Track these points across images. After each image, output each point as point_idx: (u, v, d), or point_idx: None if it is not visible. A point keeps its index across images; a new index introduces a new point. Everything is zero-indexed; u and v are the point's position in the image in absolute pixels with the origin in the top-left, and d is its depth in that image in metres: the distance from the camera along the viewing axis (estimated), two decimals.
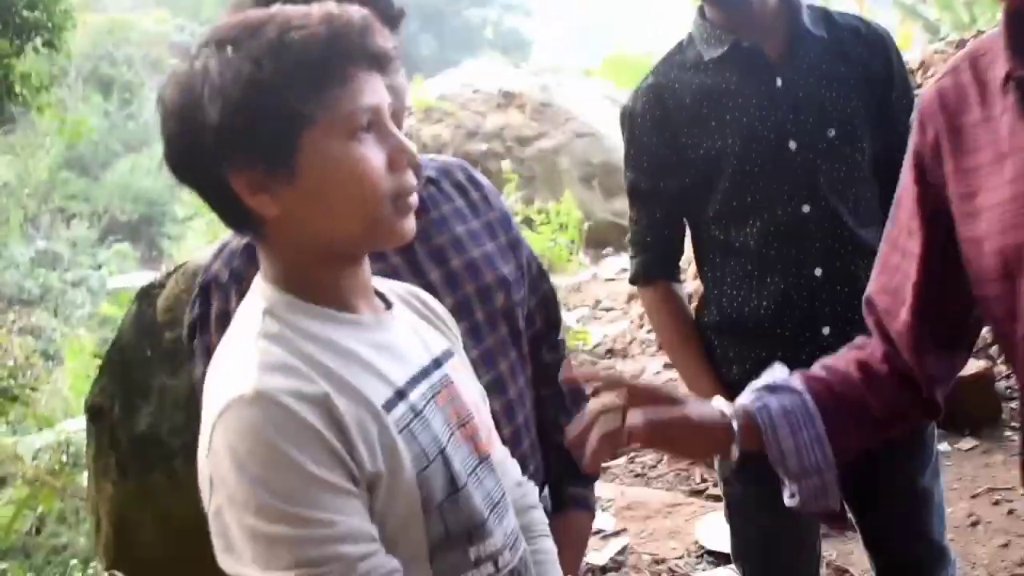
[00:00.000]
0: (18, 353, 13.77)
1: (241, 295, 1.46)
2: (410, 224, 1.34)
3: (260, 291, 1.35)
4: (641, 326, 6.83)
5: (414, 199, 1.34)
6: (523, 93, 9.51)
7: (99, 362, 5.29)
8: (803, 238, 2.20)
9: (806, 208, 2.19)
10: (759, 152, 2.20)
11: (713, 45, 2.25)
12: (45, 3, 7.24)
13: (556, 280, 4.11)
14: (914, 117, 1.50)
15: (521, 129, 9.01)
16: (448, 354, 1.51)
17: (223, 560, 1.23)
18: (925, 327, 1.49)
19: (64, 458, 10.77)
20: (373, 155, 1.28)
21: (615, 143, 7.34)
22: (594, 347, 7.08)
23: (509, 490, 1.54)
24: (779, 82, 2.20)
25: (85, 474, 8.09)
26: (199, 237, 13.09)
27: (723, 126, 2.23)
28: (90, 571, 9.33)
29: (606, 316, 7.95)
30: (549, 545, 1.63)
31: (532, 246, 2.12)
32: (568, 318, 7.27)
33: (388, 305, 1.46)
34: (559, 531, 1.76)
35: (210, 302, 1.76)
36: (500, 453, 1.58)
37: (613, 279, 8.59)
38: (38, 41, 7.08)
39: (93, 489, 5.39)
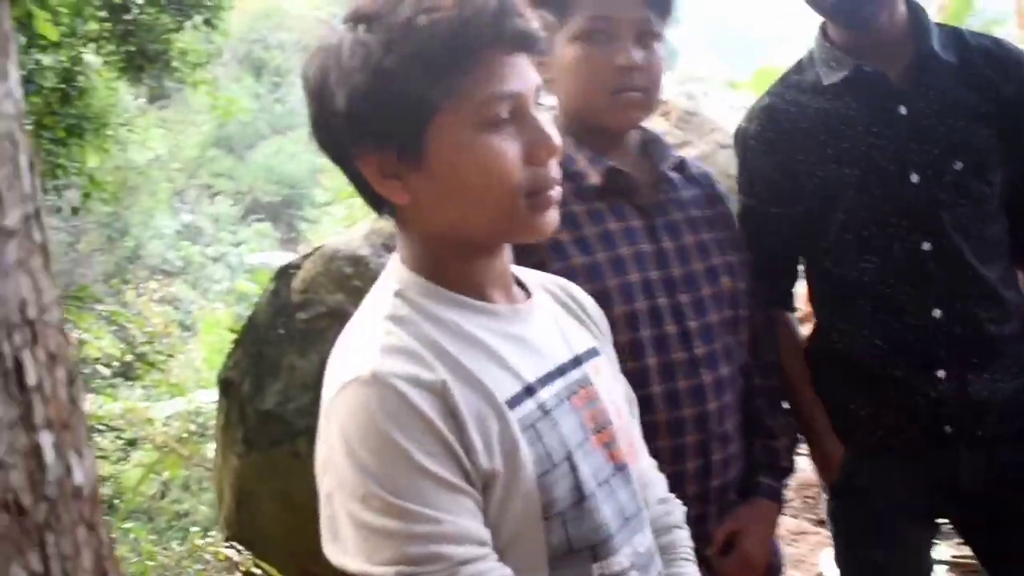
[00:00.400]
0: (157, 322, 14.23)
1: None
2: (549, 219, 1.27)
3: (395, 272, 1.32)
4: None
5: (554, 192, 1.27)
6: (669, 101, 9.40)
7: (233, 337, 5.39)
8: (921, 277, 2.05)
9: (926, 245, 2.03)
10: (877, 184, 2.05)
11: (833, 68, 2.12)
12: None
13: None
14: None
15: (666, 137, 8.85)
16: (592, 353, 1.43)
17: (329, 550, 1.20)
18: None
19: (192, 427, 11.08)
20: (506, 146, 1.22)
21: None
22: None
23: (650, 506, 1.45)
24: (903, 110, 2.06)
25: (212, 445, 8.29)
26: (337, 222, 13.29)
27: (840, 154, 2.09)
28: (209, 539, 9.55)
29: None
30: (691, 571, 1.52)
31: None
32: None
33: (530, 297, 1.40)
34: (747, 515, 1.94)
35: None
36: (644, 464, 1.50)
37: None
38: (198, 19, 7.26)
39: (219, 460, 5.49)
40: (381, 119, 1.19)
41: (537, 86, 1.26)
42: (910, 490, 2.12)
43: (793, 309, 2.33)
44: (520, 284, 1.40)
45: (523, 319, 1.34)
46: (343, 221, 11.83)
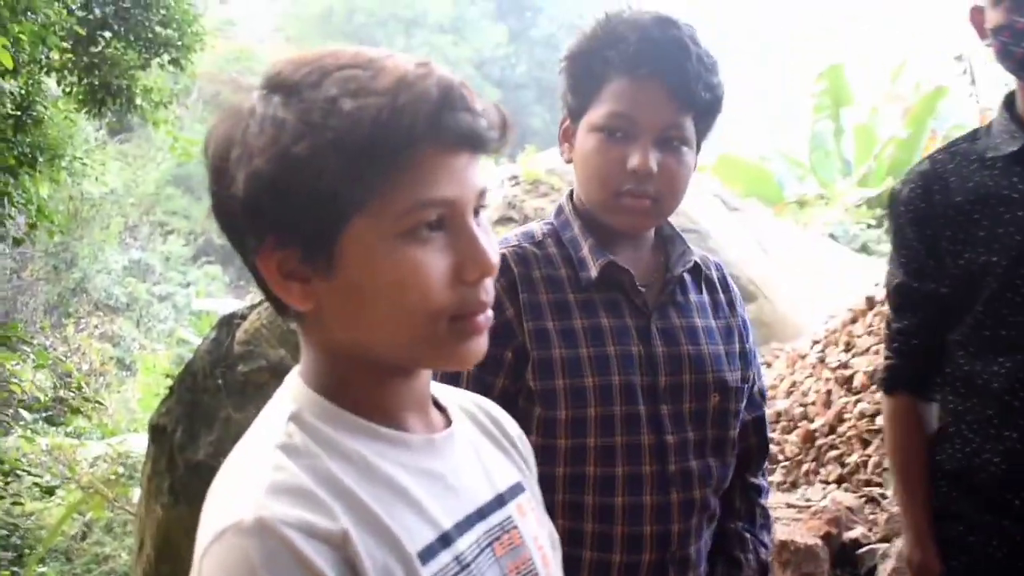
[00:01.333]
0: (95, 358, 13.97)
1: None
2: (475, 347, 1.08)
3: (291, 389, 1.11)
4: None
5: (483, 319, 1.07)
6: None
7: (170, 382, 5.26)
8: None
9: None
10: None
11: (1007, 140, 1.92)
12: (179, 23, 7.40)
13: None
14: None
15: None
16: (516, 490, 1.23)
17: None
18: None
19: (121, 469, 10.83)
20: (431, 260, 1.02)
21: (718, 243, 7.22)
22: None
23: None
24: None
25: (138, 490, 8.10)
26: None
27: (993, 239, 1.88)
28: None
29: None
30: None
31: None
32: None
33: (448, 422, 1.19)
34: None
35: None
36: None
37: None
38: (165, 58, 7.20)
39: (143, 509, 5.33)
40: (287, 212, 0.99)
41: (480, 190, 1.07)
42: None
43: (931, 399, 2.08)
44: (438, 406, 1.20)
45: (440, 451, 1.13)
46: None
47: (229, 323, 4.62)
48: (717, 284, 1.93)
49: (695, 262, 1.86)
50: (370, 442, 1.06)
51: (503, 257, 1.70)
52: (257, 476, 0.99)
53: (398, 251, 1.00)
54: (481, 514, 1.13)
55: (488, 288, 1.07)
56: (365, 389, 1.08)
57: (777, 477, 5.14)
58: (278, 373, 3.94)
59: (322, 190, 0.97)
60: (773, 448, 5.27)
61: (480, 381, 1.63)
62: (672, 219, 1.89)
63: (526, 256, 1.78)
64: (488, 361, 1.63)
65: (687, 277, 1.86)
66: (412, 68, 1.00)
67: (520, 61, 32.84)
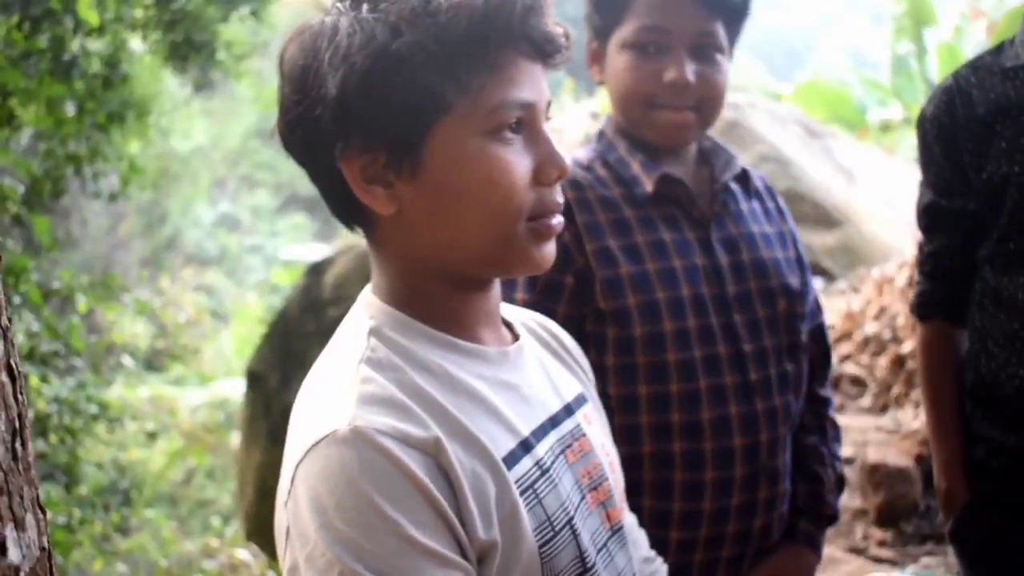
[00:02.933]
0: (190, 310, 14.31)
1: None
2: (548, 251, 1.12)
3: (367, 305, 1.14)
4: None
5: (556, 221, 1.12)
6: None
7: (264, 329, 5.40)
8: None
9: None
10: None
11: (1022, 47, 1.88)
12: None
13: None
14: None
15: None
16: (581, 400, 1.28)
17: None
18: None
19: (220, 417, 11.13)
20: (517, 160, 1.07)
21: (801, 170, 7.11)
22: None
23: (635, 565, 1.31)
24: None
25: (237, 435, 8.33)
26: None
27: (1014, 150, 1.85)
28: (230, 528, 9.59)
29: None
30: None
31: None
32: None
33: (516, 337, 1.23)
34: (784, 563, 1.79)
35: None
36: (629, 520, 1.38)
37: None
38: (244, 10, 7.26)
39: (243, 453, 5.49)
40: (378, 112, 1.03)
41: (548, 101, 1.12)
42: None
43: (963, 323, 2.03)
44: (505, 323, 1.24)
45: (513, 363, 1.17)
46: None
47: (317, 270, 4.71)
48: (764, 192, 1.91)
49: (743, 169, 1.85)
50: (448, 354, 1.10)
51: None
52: (347, 388, 1.03)
53: (485, 149, 1.05)
54: (554, 422, 1.18)
55: (559, 193, 1.12)
56: (441, 302, 1.12)
57: (867, 401, 5.09)
58: None
59: (417, 86, 1.01)
60: (862, 372, 5.22)
61: (542, 308, 1.61)
62: (755, 147, 1.90)
63: (576, 180, 1.76)
64: (549, 287, 1.67)
65: (735, 187, 1.84)
66: None
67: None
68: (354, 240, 4.81)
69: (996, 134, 1.87)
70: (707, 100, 1.74)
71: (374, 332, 1.09)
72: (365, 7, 1.04)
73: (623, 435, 1.60)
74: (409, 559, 0.96)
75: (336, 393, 1.04)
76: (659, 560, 1.44)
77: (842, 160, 7.91)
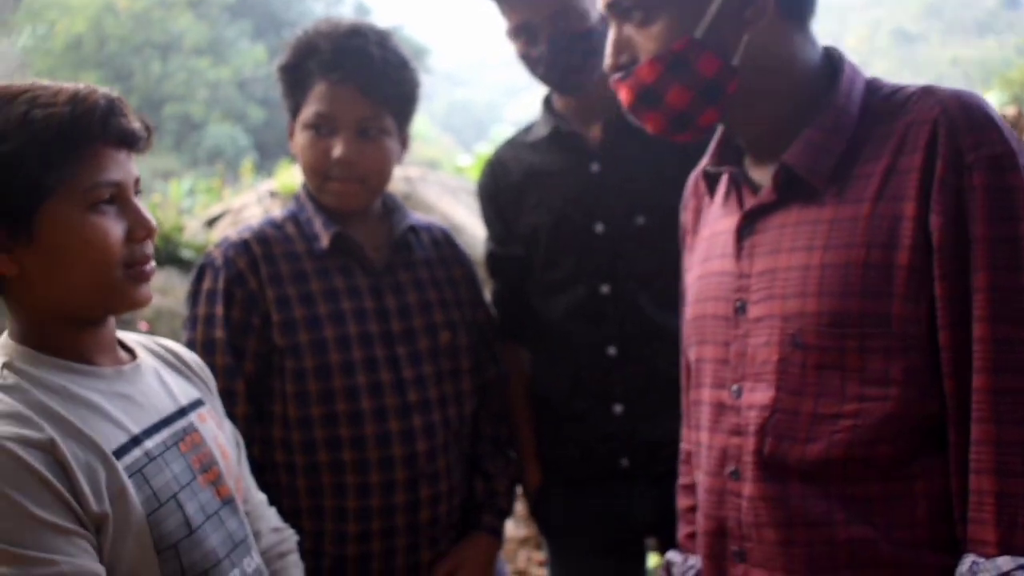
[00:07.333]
0: None
1: (229, 277, 1.99)
2: (145, 291, 1.46)
3: (3, 347, 1.44)
4: None
5: (150, 267, 1.46)
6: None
7: None
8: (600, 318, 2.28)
9: (605, 288, 2.26)
10: (568, 230, 2.30)
11: (543, 126, 2.40)
12: None
13: None
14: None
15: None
16: (196, 404, 1.62)
17: None
18: None
19: None
20: (111, 225, 1.40)
21: (472, 236, 7.51)
22: None
23: (263, 535, 1.73)
24: (594, 168, 2.29)
25: None
26: None
27: (540, 204, 2.34)
28: None
29: None
30: None
31: None
32: None
33: (134, 358, 1.56)
34: (467, 550, 2.18)
35: (202, 280, 2.07)
36: (256, 498, 1.76)
37: None
38: None
39: None
40: None
41: (136, 178, 1.45)
42: (597, 521, 2.34)
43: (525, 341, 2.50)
44: (125, 348, 1.58)
45: (127, 379, 1.50)
46: None
47: None
48: (439, 242, 2.29)
49: (412, 224, 2.20)
50: (70, 376, 1.42)
51: (245, 241, 2.06)
52: None
53: (85, 219, 1.38)
54: (166, 422, 1.51)
55: (150, 246, 1.44)
56: (63, 338, 1.44)
57: None
58: None
59: (23, 178, 1.33)
60: None
61: (232, 344, 1.98)
62: (429, 215, 2.22)
63: (266, 237, 2.09)
64: (241, 326, 2.00)
65: (414, 239, 2.24)
66: (83, 87, 1.41)
67: None
68: None
69: (527, 193, 2.38)
70: (372, 173, 2.10)
71: (7, 365, 1.39)
72: None
73: (303, 447, 1.98)
74: (36, 531, 1.25)
75: None
76: (290, 530, 1.84)
77: None
